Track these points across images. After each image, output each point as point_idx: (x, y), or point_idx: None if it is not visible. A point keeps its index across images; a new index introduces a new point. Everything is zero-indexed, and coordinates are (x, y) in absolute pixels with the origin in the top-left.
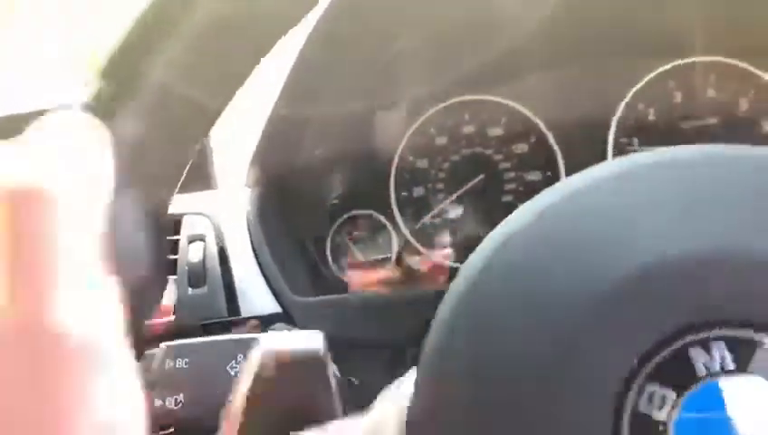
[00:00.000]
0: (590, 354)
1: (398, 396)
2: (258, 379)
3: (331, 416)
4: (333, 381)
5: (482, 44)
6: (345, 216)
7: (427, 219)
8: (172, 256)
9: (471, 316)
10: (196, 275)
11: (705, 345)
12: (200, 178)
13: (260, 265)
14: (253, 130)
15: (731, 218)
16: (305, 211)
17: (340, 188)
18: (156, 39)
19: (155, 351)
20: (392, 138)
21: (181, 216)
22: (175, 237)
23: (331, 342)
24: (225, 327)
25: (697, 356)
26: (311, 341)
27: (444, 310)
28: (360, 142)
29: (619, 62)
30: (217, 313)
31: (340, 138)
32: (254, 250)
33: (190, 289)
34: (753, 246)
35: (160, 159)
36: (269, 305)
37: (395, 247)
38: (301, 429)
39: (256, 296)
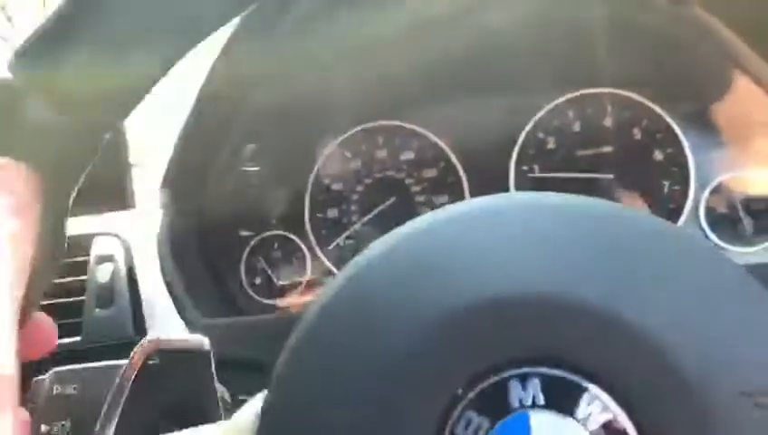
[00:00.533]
0: (417, 381)
1: (254, 409)
2: (142, 367)
3: (210, 413)
4: (215, 381)
5: (395, 73)
6: (259, 237)
7: (340, 240)
8: (81, 277)
9: (316, 343)
10: (104, 296)
11: (523, 380)
12: (119, 197)
13: (168, 286)
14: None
15: (553, 264)
16: (217, 233)
17: (254, 209)
18: (74, 32)
19: (43, 377)
20: (306, 161)
21: (91, 236)
22: (84, 258)
23: (240, 364)
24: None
25: (514, 390)
26: (198, 338)
27: (294, 335)
28: (274, 166)
29: (521, 93)
30: (124, 334)
31: (255, 161)
32: (162, 271)
33: (97, 310)
34: (568, 293)
35: (65, 148)
36: (177, 327)
37: (309, 269)
38: (182, 419)
39: (164, 318)
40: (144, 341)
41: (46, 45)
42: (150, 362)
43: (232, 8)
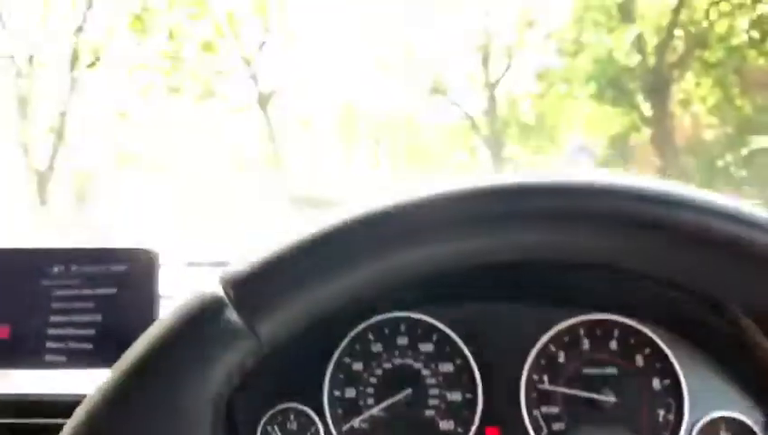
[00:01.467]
0: None
1: None
2: None
3: None
4: None
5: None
6: (277, 407)
7: (356, 422)
8: None
9: None
10: None
11: None
12: None
13: None
14: None
15: None
16: (237, 398)
17: (275, 378)
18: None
19: None
20: (331, 339)
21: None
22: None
23: None
24: None
25: None
26: None
27: None
28: (300, 340)
29: (542, 307)
30: None
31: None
32: None
33: None
34: None
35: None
36: None
37: None
38: None
39: None
40: None
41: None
42: None
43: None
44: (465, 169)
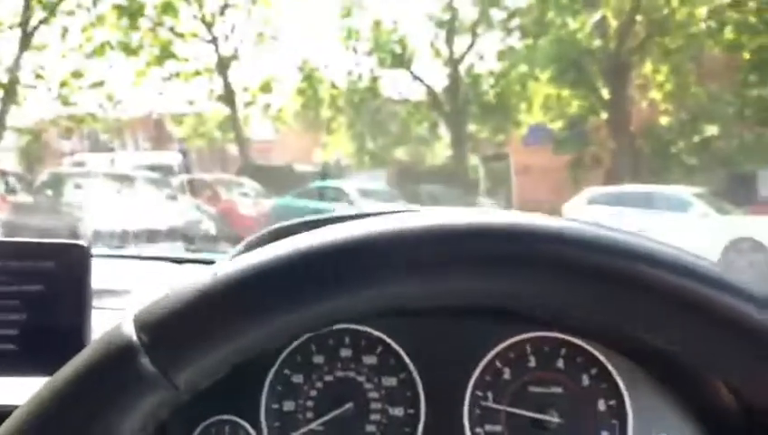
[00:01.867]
0: None
1: None
2: None
3: None
4: None
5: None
6: (211, 419)
7: None
8: None
9: None
10: None
11: None
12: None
13: None
14: None
15: None
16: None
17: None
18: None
19: None
20: (272, 350)
21: None
22: None
23: None
24: None
25: None
26: None
27: None
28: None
29: (489, 322)
30: None
31: None
32: None
33: None
34: None
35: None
36: None
37: None
38: None
39: None
40: None
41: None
42: None
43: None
44: (425, 145)
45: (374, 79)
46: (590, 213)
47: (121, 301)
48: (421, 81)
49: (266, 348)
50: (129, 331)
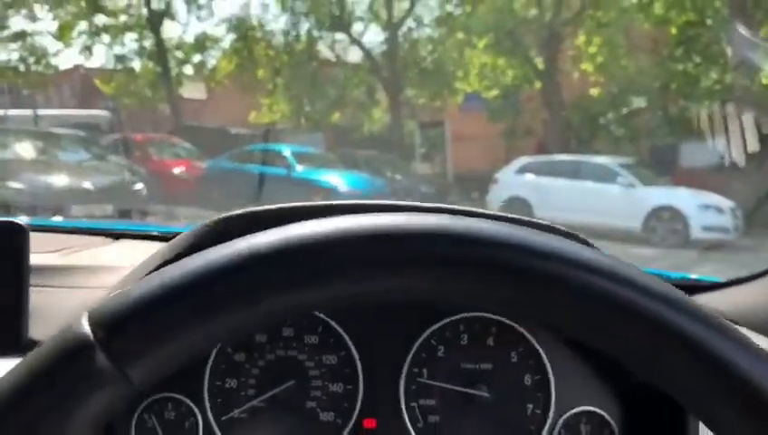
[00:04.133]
0: None
1: None
2: None
3: None
4: None
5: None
6: (154, 396)
7: (236, 413)
8: None
9: None
10: None
11: None
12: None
13: None
14: None
15: None
16: None
17: None
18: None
19: None
20: None
21: None
22: None
23: None
24: None
25: None
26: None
27: None
28: None
29: (421, 305)
30: None
31: None
32: None
33: None
34: None
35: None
36: None
37: None
38: None
39: None
40: None
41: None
42: None
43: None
44: (363, 109)
45: (312, 40)
46: (520, 181)
47: (58, 278)
48: (359, 44)
49: (222, 343)
50: (85, 327)
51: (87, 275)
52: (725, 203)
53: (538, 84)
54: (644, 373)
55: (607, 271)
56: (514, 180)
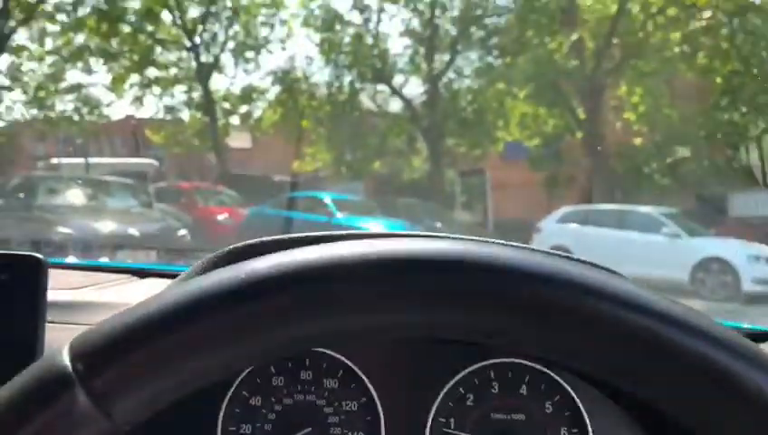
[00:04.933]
0: None
1: None
2: None
3: None
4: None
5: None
6: None
7: None
8: None
9: None
10: None
11: None
12: None
13: None
14: None
15: None
16: None
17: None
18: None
19: None
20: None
21: None
22: None
23: None
24: None
25: None
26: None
27: None
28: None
29: (448, 348)
30: None
31: None
32: None
33: None
34: None
35: None
36: None
37: None
38: None
39: None
40: None
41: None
42: None
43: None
44: (403, 158)
45: (354, 91)
46: (563, 230)
47: (78, 315)
48: (400, 95)
49: (211, 381)
50: (65, 359)
51: (108, 312)
52: None
53: (579, 134)
54: (702, 429)
55: (683, 322)
56: (557, 229)
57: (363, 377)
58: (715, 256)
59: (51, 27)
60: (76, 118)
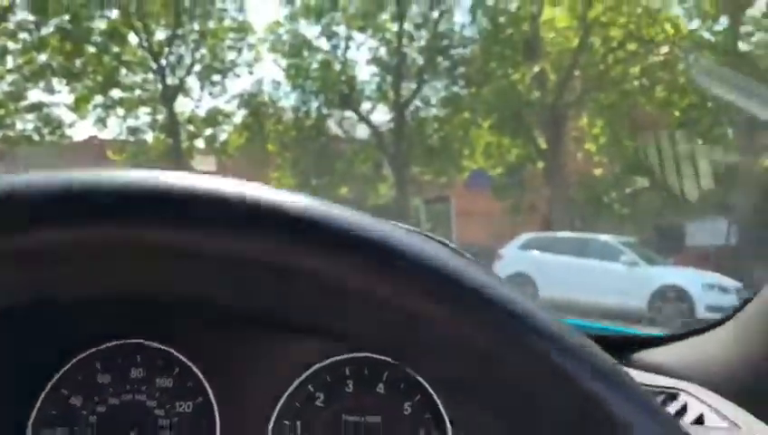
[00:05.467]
0: None
1: None
2: None
3: None
4: None
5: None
6: None
7: None
8: None
9: None
10: None
11: None
12: None
13: None
14: None
15: None
16: None
17: None
18: None
19: None
20: (48, 366)
21: None
22: None
23: None
24: None
25: None
26: None
27: None
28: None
29: (300, 342)
30: None
31: None
32: None
33: None
34: None
35: None
36: None
37: None
38: None
39: None
40: None
41: None
42: None
43: None
44: (369, 184)
45: (321, 117)
46: (524, 258)
47: None
48: (367, 121)
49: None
50: None
51: None
52: (730, 283)
53: (541, 163)
54: None
55: None
56: (518, 256)
57: (200, 375)
58: (672, 285)
59: (12, 45)
60: (36, 138)
